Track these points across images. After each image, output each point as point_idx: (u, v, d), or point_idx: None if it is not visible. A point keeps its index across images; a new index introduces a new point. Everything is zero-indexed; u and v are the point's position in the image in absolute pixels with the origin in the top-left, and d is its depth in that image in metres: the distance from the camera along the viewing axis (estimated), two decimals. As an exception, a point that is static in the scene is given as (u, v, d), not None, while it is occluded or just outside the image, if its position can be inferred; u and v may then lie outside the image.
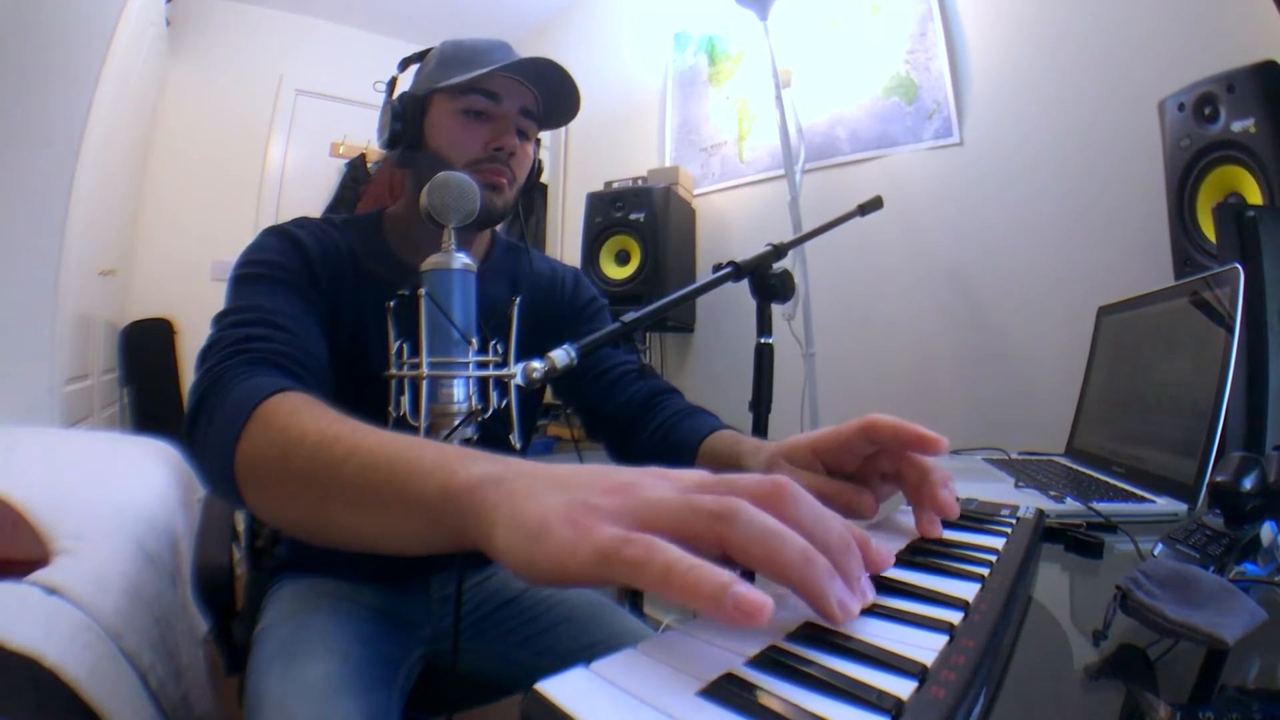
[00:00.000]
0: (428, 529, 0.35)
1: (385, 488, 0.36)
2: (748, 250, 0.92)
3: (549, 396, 0.90)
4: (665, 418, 0.73)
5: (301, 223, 0.73)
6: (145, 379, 2.74)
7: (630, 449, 0.77)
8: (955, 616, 0.28)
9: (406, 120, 0.73)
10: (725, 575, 0.23)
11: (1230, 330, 0.71)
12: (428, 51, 0.78)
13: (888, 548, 0.33)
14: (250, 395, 0.49)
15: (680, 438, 0.69)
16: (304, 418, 0.45)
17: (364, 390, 0.67)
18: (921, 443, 0.42)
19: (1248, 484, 0.45)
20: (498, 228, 0.85)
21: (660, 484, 0.30)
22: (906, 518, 0.44)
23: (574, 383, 0.80)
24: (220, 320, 0.61)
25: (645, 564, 0.24)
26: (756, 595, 0.23)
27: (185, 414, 0.55)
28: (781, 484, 0.29)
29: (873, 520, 0.45)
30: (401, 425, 0.61)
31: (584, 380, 0.79)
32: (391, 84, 0.77)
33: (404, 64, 0.80)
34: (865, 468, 0.47)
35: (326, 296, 0.70)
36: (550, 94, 0.76)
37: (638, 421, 0.76)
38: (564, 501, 0.28)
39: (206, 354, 0.57)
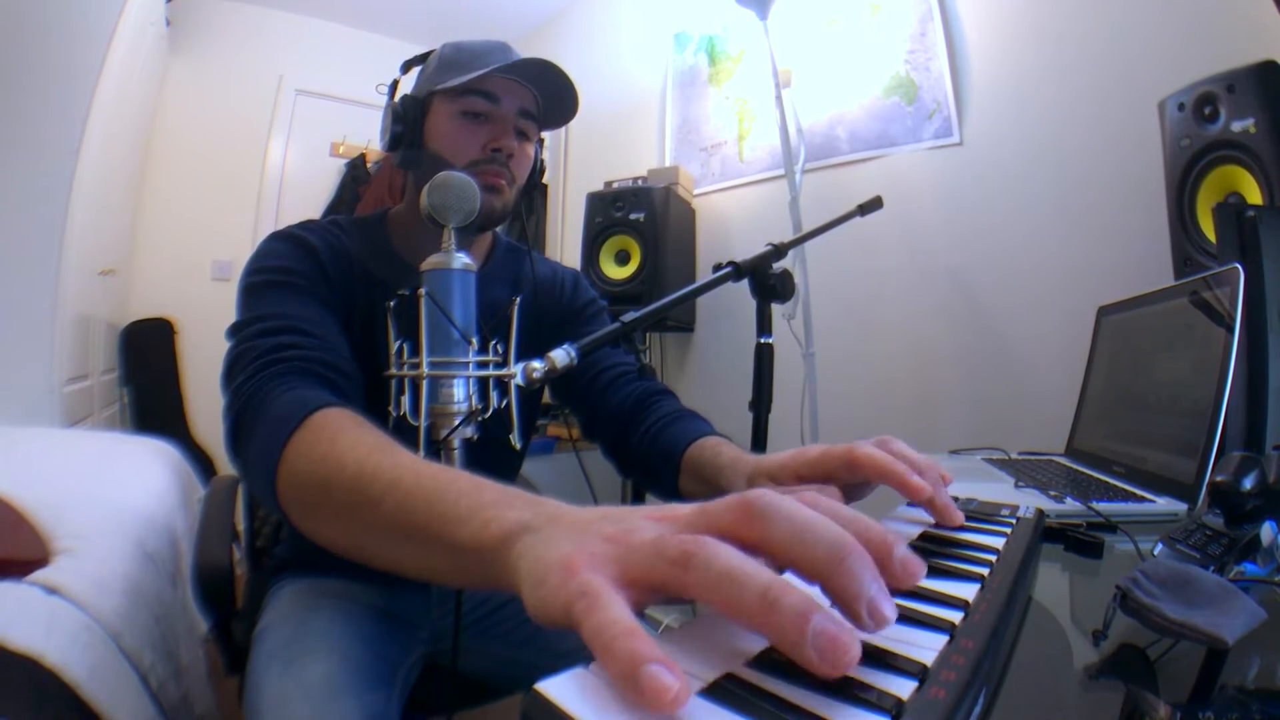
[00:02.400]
0: (465, 572, 0.35)
1: (422, 531, 0.37)
2: (748, 250, 0.92)
3: (547, 397, 0.90)
4: (654, 421, 0.73)
5: (308, 226, 0.73)
6: (145, 379, 2.74)
7: (624, 451, 0.77)
8: (955, 616, 0.28)
9: (407, 122, 0.73)
10: (642, 652, 0.21)
11: (1230, 330, 0.71)
12: (429, 54, 0.79)
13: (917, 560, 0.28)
14: (289, 415, 0.49)
15: (665, 444, 0.69)
16: (343, 445, 0.45)
17: (375, 391, 0.67)
18: (906, 490, 0.41)
19: (1248, 484, 0.45)
20: (499, 229, 0.85)
21: (650, 527, 0.28)
22: (905, 517, 0.44)
23: (570, 383, 0.80)
24: (239, 330, 0.61)
25: (584, 621, 0.23)
26: (665, 678, 0.20)
27: (225, 439, 0.56)
28: (749, 503, 0.26)
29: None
30: (401, 425, 0.61)
31: (580, 381, 0.79)
32: (393, 86, 0.77)
33: (406, 66, 0.80)
34: (850, 486, 0.47)
35: (340, 299, 0.70)
36: (549, 94, 0.76)
37: (631, 423, 0.76)
38: (568, 549, 0.28)
39: (234, 367, 0.57)
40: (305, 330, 0.61)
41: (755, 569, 0.23)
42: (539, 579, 0.27)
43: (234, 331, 0.61)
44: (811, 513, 0.26)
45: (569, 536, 0.29)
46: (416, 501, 0.38)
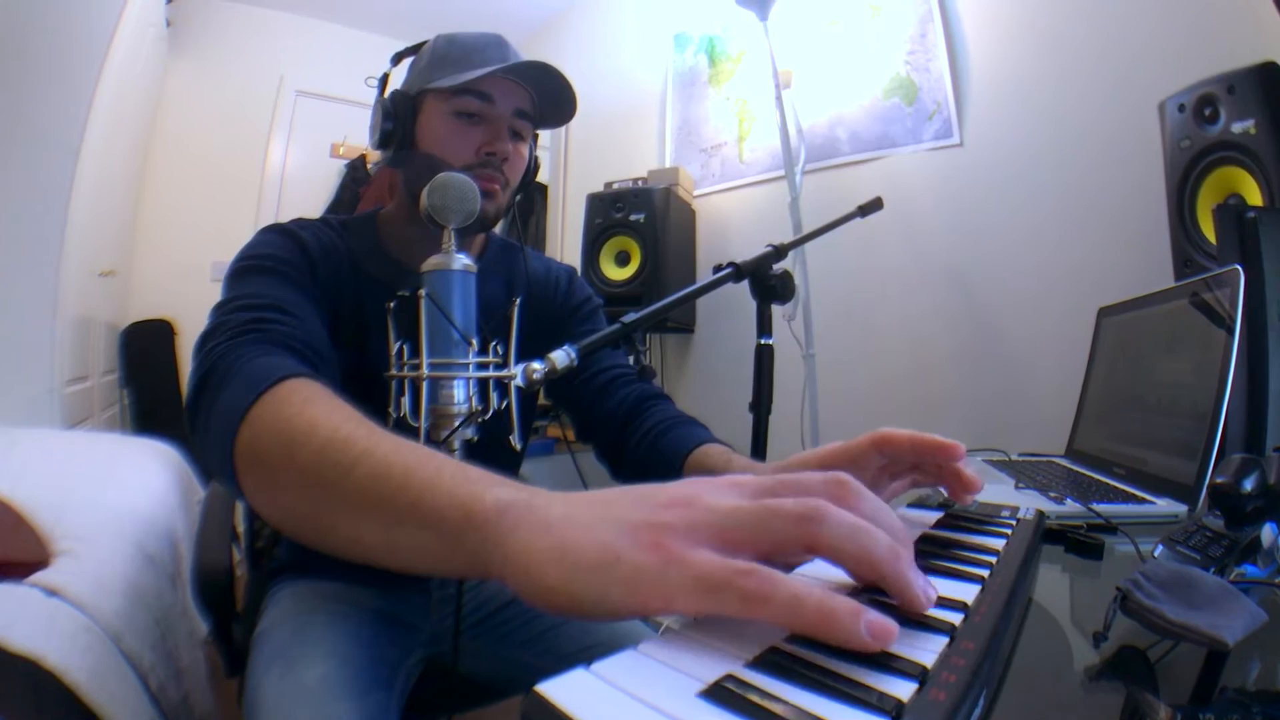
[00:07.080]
0: (441, 550, 0.32)
1: (397, 499, 0.34)
2: (748, 251, 0.92)
3: (542, 398, 0.90)
4: (652, 425, 0.73)
5: (301, 223, 0.73)
6: (145, 380, 2.74)
7: (619, 454, 0.77)
8: (955, 618, 0.27)
9: (398, 120, 0.72)
10: (854, 603, 0.23)
11: (1230, 332, 0.71)
12: (421, 46, 0.77)
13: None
14: (263, 374, 0.46)
15: (667, 447, 0.69)
16: (316, 409, 0.42)
17: (365, 392, 0.67)
18: (942, 452, 0.43)
19: (1248, 485, 0.45)
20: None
21: (724, 492, 0.28)
22: (906, 518, 0.44)
23: (566, 385, 0.80)
24: (221, 308, 0.58)
25: (770, 597, 0.24)
26: (888, 620, 0.23)
27: (185, 401, 0.51)
28: (845, 481, 0.29)
29: None
30: (401, 426, 0.61)
31: (576, 383, 0.79)
32: (384, 80, 0.76)
33: (397, 59, 0.79)
34: (876, 474, 0.47)
35: (327, 296, 0.69)
36: (546, 96, 0.75)
37: (627, 427, 0.76)
38: (622, 524, 0.26)
39: (208, 338, 0.54)
40: (288, 310, 0.59)
41: (875, 526, 0.27)
42: (596, 562, 0.26)
43: (215, 310, 0.59)
44: (880, 501, 0.30)
45: (602, 513, 0.28)
46: (393, 469, 0.35)
